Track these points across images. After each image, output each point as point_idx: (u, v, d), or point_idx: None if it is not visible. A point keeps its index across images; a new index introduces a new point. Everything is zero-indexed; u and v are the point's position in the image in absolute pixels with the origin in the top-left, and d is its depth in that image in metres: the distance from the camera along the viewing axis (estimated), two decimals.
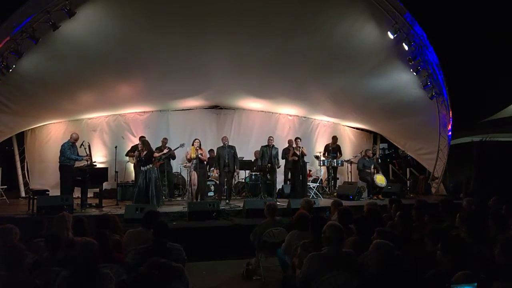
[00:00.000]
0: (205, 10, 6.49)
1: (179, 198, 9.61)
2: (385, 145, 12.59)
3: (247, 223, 6.54)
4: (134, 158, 8.90)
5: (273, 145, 9.10)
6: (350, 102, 10.29)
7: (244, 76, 9.18)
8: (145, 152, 7.73)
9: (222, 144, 8.73)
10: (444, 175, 10.19)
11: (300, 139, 9.23)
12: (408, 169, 11.45)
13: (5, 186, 9.34)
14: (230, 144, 8.83)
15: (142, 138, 8.24)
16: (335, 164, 10.34)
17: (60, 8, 5.93)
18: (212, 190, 9.52)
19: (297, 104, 11.11)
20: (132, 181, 9.57)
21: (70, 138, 7.86)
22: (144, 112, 10.91)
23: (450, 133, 9.41)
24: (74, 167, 7.79)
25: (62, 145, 7.73)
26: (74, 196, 7.46)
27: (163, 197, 9.13)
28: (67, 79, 7.75)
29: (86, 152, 7.82)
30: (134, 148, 9.01)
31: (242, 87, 9.94)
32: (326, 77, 9.11)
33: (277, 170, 9.31)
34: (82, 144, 7.96)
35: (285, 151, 9.71)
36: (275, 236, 4.69)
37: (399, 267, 2.79)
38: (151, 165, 7.75)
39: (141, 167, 7.72)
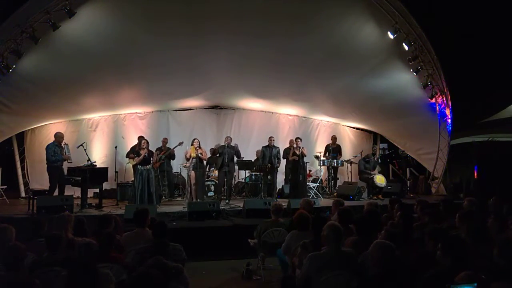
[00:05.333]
0: (205, 10, 6.50)
1: (179, 198, 9.60)
2: (385, 145, 12.57)
3: (247, 223, 6.54)
4: (133, 159, 8.91)
5: (273, 145, 9.10)
6: (350, 102, 10.30)
7: (244, 76, 9.19)
8: (148, 152, 7.73)
9: (224, 144, 8.72)
10: (444, 175, 10.19)
11: (301, 139, 9.23)
12: (408, 169, 11.44)
13: (5, 186, 9.33)
14: (231, 144, 8.80)
15: (143, 138, 8.24)
16: (335, 164, 10.34)
17: (60, 8, 5.94)
18: (212, 190, 9.52)
19: (297, 104, 11.11)
20: (132, 181, 9.57)
21: (55, 138, 7.73)
22: (144, 112, 10.91)
23: (450, 133, 9.41)
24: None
25: (47, 146, 7.62)
26: (74, 196, 7.45)
27: (163, 197, 9.16)
28: (67, 79, 7.75)
29: (85, 153, 7.82)
30: (134, 148, 9.01)
31: (242, 87, 9.95)
32: (326, 77, 9.10)
33: (278, 170, 9.31)
34: (81, 145, 7.96)
35: (286, 151, 9.72)
36: (275, 236, 4.69)
37: (399, 267, 2.79)
38: (150, 165, 7.75)
39: (139, 166, 7.69)
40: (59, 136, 7.76)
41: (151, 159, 7.91)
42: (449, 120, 9.25)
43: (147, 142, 7.90)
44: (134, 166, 8.55)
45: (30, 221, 6.01)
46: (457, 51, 9.77)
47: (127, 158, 9.41)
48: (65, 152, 7.79)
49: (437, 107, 9.26)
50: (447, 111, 9.17)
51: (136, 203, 7.39)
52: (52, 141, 7.83)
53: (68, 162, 7.99)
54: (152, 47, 7.32)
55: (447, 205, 5.15)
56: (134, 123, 10.80)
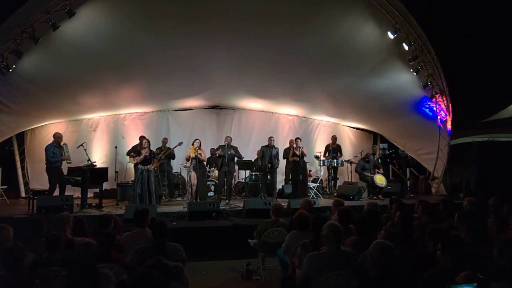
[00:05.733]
0: (205, 10, 6.49)
1: (179, 198, 9.60)
2: (385, 145, 12.58)
3: (247, 223, 6.54)
4: (134, 158, 8.91)
5: (273, 145, 9.10)
6: (350, 102, 10.30)
7: (244, 76, 9.19)
8: (149, 151, 7.72)
9: (224, 143, 8.72)
10: (444, 175, 10.19)
11: (300, 139, 9.23)
12: (408, 169, 11.44)
13: (5, 186, 9.33)
14: (232, 144, 8.79)
15: (144, 138, 8.24)
16: (335, 164, 10.34)
17: (60, 8, 5.94)
18: (212, 190, 9.52)
19: (297, 104, 11.11)
20: (133, 181, 9.57)
21: (54, 139, 7.69)
22: (144, 112, 10.91)
23: (450, 132, 9.41)
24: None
25: (46, 147, 7.59)
26: (74, 196, 7.45)
27: (163, 197, 9.16)
28: (67, 79, 7.75)
29: (85, 153, 7.81)
30: (135, 148, 9.02)
31: (242, 87, 9.95)
32: (326, 77, 9.10)
33: (277, 170, 9.31)
34: (81, 145, 7.96)
35: (286, 151, 9.71)
36: (275, 236, 4.69)
37: (399, 267, 2.79)
38: (150, 165, 7.75)
39: (140, 166, 7.68)
40: (57, 137, 7.74)
41: (154, 159, 7.89)
42: (449, 120, 9.25)
43: (148, 142, 7.86)
44: (135, 166, 8.60)
45: (30, 221, 6.02)
46: (457, 51, 9.77)
47: (128, 157, 9.44)
48: (64, 153, 7.77)
49: (437, 108, 9.27)
50: (447, 111, 9.17)
51: (136, 203, 7.39)
52: (51, 141, 7.82)
53: (68, 163, 7.97)
54: (152, 47, 7.32)
55: (447, 205, 5.14)
56: (134, 123, 10.80)
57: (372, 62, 8.28)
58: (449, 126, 9.33)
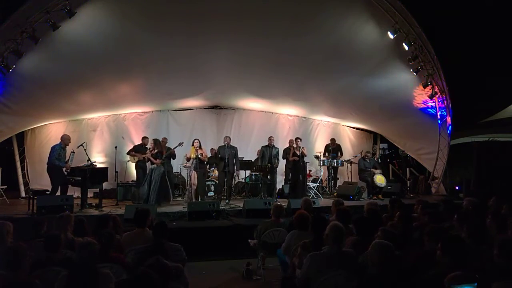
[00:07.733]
0: (205, 10, 6.50)
1: (179, 198, 9.60)
2: (385, 145, 12.58)
3: (247, 223, 6.54)
4: (134, 158, 8.93)
5: (273, 145, 9.10)
6: (350, 102, 10.30)
7: (244, 76, 9.19)
8: (156, 151, 7.75)
9: (223, 144, 8.72)
10: (444, 175, 10.19)
11: (300, 139, 9.23)
12: (408, 169, 11.44)
13: (5, 186, 9.32)
14: (231, 144, 8.79)
15: (147, 139, 8.29)
16: (335, 164, 10.34)
17: (60, 8, 5.94)
18: (212, 190, 9.52)
19: (297, 104, 11.11)
20: (133, 181, 9.57)
21: (62, 141, 7.66)
22: (144, 112, 10.91)
23: (450, 132, 9.40)
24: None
25: (52, 147, 7.58)
26: (74, 196, 7.44)
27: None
28: (67, 79, 7.74)
29: (85, 153, 7.81)
30: (137, 147, 9.03)
31: (242, 87, 9.95)
32: (326, 77, 9.11)
33: (277, 170, 9.31)
34: (81, 145, 7.95)
35: (286, 151, 9.72)
36: (275, 237, 4.69)
37: (399, 267, 2.79)
38: (153, 165, 7.80)
39: (150, 166, 7.75)
40: (66, 139, 7.71)
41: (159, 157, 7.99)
42: (449, 120, 9.25)
43: (154, 143, 7.96)
44: (136, 166, 8.67)
45: (30, 221, 6.01)
46: (457, 51, 9.78)
47: (128, 155, 9.44)
48: (69, 160, 7.74)
49: (437, 107, 9.27)
50: (447, 111, 9.17)
51: (135, 201, 7.41)
52: (52, 141, 7.82)
53: (66, 171, 7.88)
54: (152, 47, 7.32)
55: (448, 205, 5.14)
56: (134, 123, 10.80)
57: (372, 62, 8.28)
58: (449, 121, 9.29)
